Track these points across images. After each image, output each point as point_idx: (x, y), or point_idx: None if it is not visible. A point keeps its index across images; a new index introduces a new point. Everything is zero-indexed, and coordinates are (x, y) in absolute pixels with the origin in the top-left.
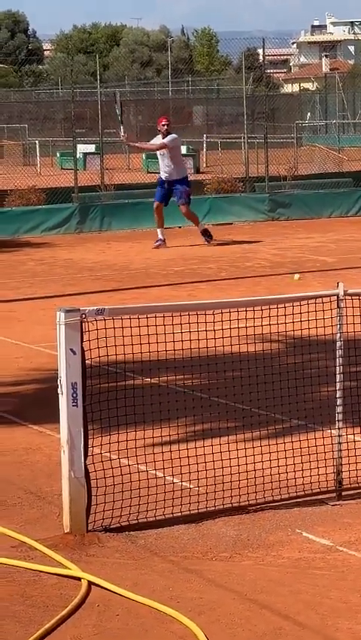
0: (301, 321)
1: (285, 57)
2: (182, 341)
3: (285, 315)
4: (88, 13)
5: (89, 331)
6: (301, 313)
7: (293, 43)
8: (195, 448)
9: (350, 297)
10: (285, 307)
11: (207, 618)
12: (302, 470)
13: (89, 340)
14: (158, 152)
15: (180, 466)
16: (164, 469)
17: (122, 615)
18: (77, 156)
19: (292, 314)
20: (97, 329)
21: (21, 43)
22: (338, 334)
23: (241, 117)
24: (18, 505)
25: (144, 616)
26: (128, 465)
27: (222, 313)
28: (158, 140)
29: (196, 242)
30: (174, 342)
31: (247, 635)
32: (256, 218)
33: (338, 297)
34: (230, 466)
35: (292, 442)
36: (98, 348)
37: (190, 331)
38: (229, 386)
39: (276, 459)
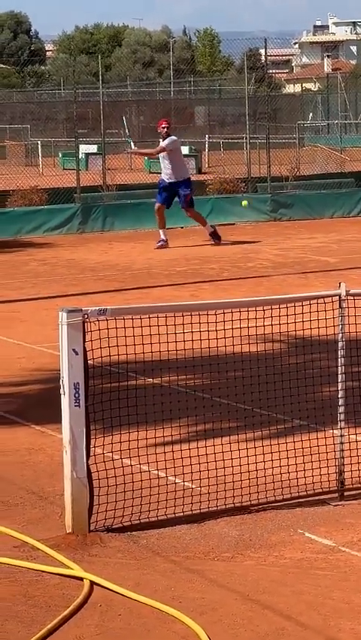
0: (303, 321)
1: (287, 57)
2: (184, 341)
3: (287, 316)
4: (90, 14)
5: (91, 331)
6: (303, 313)
7: (295, 44)
8: (197, 448)
9: (351, 298)
10: (287, 307)
11: (209, 618)
12: (304, 470)
13: (92, 340)
14: (159, 155)
15: (182, 466)
16: (166, 469)
17: (124, 615)
18: (80, 156)
19: (294, 314)
20: (99, 329)
21: (23, 43)
22: (340, 334)
23: (243, 117)
24: (20, 506)
25: (146, 616)
26: (131, 465)
27: (224, 313)
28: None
29: (198, 242)
30: (176, 342)
31: (249, 635)
32: (258, 219)
33: (340, 297)
34: (232, 466)
35: (294, 442)
36: (101, 348)
37: (192, 331)
38: (231, 386)
39: (278, 459)
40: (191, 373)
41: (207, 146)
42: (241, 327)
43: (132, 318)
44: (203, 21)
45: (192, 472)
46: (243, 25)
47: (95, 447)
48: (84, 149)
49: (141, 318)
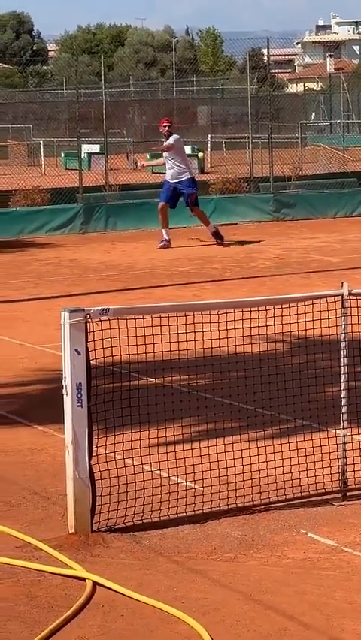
0: (305, 321)
1: (289, 57)
2: (186, 341)
3: (289, 316)
4: (93, 14)
5: (93, 331)
6: (305, 313)
7: (298, 43)
8: (200, 448)
9: (354, 297)
10: (289, 307)
11: (212, 619)
12: (307, 470)
13: (94, 340)
14: (165, 157)
15: (185, 466)
16: (168, 469)
17: (126, 615)
18: (82, 156)
19: (297, 314)
20: (102, 329)
21: (26, 43)
22: (343, 334)
23: (245, 117)
24: (23, 506)
25: (149, 616)
26: (133, 465)
27: (226, 313)
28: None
29: (200, 242)
30: (178, 342)
31: (251, 635)
32: (261, 219)
33: (342, 297)
34: (235, 467)
35: (296, 442)
36: (103, 348)
37: (195, 331)
38: (233, 386)
39: (280, 459)
40: (193, 373)
41: (209, 145)
42: (243, 327)
43: (135, 318)
44: (206, 21)
45: (194, 472)
46: (245, 24)
47: (97, 447)
48: (87, 148)
49: (143, 318)
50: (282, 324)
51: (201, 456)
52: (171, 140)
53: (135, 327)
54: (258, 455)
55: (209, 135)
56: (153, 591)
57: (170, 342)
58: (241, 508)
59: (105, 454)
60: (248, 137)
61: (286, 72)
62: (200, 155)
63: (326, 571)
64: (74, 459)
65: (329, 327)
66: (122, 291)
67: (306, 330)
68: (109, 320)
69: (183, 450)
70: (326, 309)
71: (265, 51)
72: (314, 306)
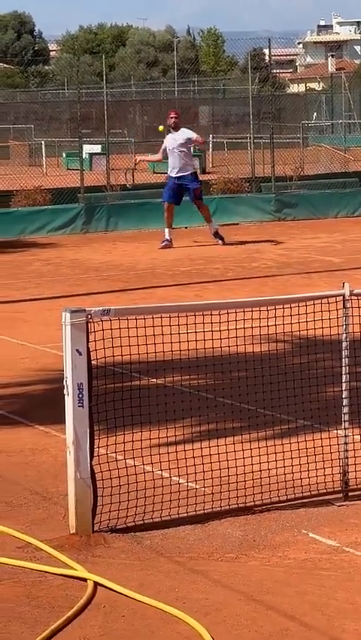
0: (307, 321)
1: (291, 57)
2: (188, 341)
3: (291, 316)
4: (94, 14)
5: (95, 332)
6: (307, 313)
7: (299, 44)
8: (201, 448)
9: (355, 298)
10: (291, 307)
11: (213, 619)
12: (308, 471)
13: (95, 341)
14: (170, 149)
15: (186, 466)
16: (170, 469)
17: (128, 616)
18: (83, 156)
19: (298, 314)
20: (103, 329)
21: (27, 43)
22: (344, 334)
23: (247, 117)
24: (24, 506)
25: (150, 617)
26: (134, 465)
27: (228, 313)
28: (169, 140)
29: (197, 243)
30: (180, 342)
31: (253, 636)
32: (263, 219)
33: (343, 297)
34: (236, 467)
35: (298, 442)
36: (105, 348)
37: (196, 332)
38: (234, 386)
39: (282, 459)
40: (195, 373)
41: (211, 145)
42: (244, 328)
43: (136, 319)
44: (207, 21)
45: (195, 473)
46: (247, 25)
47: (98, 447)
48: (88, 149)
49: (144, 319)
50: (283, 325)
51: (202, 456)
52: (194, 134)
53: (136, 328)
54: (259, 455)
55: (211, 135)
56: (155, 592)
57: (171, 343)
58: (242, 509)
59: (107, 454)
60: (250, 137)
61: (288, 72)
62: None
63: (328, 571)
64: (75, 459)
65: (330, 327)
66: (124, 291)
67: (307, 330)
68: (110, 320)
69: (185, 450)
70: (328, 309)
71: (266, 51)
72: (316, 306)
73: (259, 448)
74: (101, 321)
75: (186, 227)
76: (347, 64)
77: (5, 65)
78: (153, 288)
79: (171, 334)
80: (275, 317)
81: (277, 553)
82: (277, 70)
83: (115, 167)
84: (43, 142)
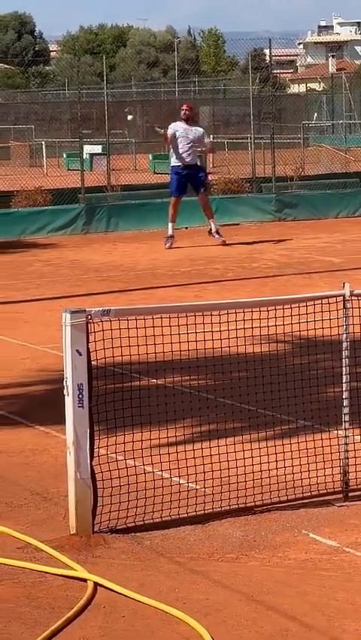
0: (307, 321)
1: (292, 57)
2: (188, 342)
3: (291, 316)
4: (94, 14)
5: (95, 332)
6: (307, 314)
7: (300, 44)
8: (201, 448)
9: (356, 298)
10: (291, 308)
11: (214, 619)
12: (308, 471)
13: (95, 341)
14: (181, 137)
15: (186, 467)
16: (170, 469)
17: (128, 616)
18: (84, 157)
19: (298, 314)
20: (103, 330)
21: (28, 44)
22: (345, 335)
23: (247, 117)
24: (24, 506)
25: (150, 617)
26: (135, 466)
27: (228, 314)
28: (178, 125)
29: (201, 242)
30: (180, 342)
31: (253, 636)
32: (263, 219)
33: (344, 297)
34: (236, 467)
35: (298, 442)
36: (105, 349)
37: (196, 332)
38: (235, 387)
39: (282, 460)
40: (195, 374)
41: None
42: (245, 328)
43: (136, 319)
44: (207, 21)
45: (196, 473)
46: (247, 25)
47: (99, 448)
48: (88, 149)
49: (144, 319)
50: (283, 325)
51: (202, 456)
52: (207, 139)
53: (137, 328)
54: (260, 456)
55: (211, 135)
56: (155, 592)
57: (171, 343)
58: (242, 509)
59: (107, 454)
60: (250, 138)
61: (288, 72)
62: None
63: (328, 572)
64: (75, 460)
65: (330, 327)
66: (124, 291)
67: (308, 330)
68: (110, 321)
69: (185, 450)
70: (328, 309)
71: (267, 51)
72: (316, 306)
73: (259, 448)
74: (101, 321)
75: (186, 228)
76: (347, 65)
77: (6, 66)
78: (153, 288)
79: (171, 335)
80: (275, 317)
81: (277, 554)
82: (278, 71)
83: (115, 167)
84: (43, 142)
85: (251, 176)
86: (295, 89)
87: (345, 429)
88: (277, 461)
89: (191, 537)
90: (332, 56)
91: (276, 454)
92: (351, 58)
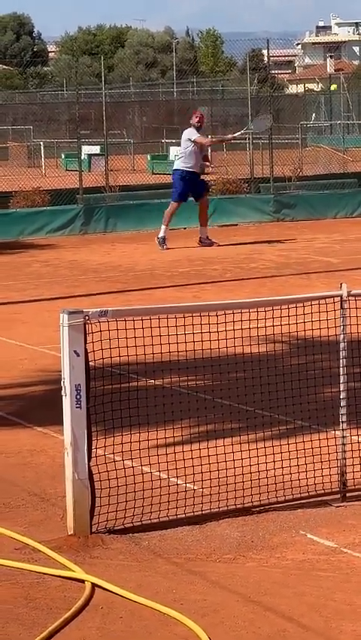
0: (305, 322)
1: (290, 58)
2: (186, 342)
3: (288, 317)
4: (93, 15)
5: (92, 333)
6: (305, 314)
7: (298, 44)
8: (199, 449)
9: (353, 298)
10: (288, 308)
11: (211, 620)
12: (306, 471)
13: (93, 342)
14: (191, 146)
15: (184, 467)
16: (168, 470)
17: (125, 617)
18: (82, 157)
19: (296, 315)
20: (100, 331)
21: (26, 45)
22: (342, 335)
23: (245, 118)
24: (22, 507)
25: (148, 618)
26: (132, 466)
27: (225, 314)
28: (192, 132)
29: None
30: (178, 343)
31: (250, 637)
32: (261, 219)
33: (341, 298)
34: (234, 468)
35: (296, 443)
36: (102, 349)
37: (194, 332)
38: (232, 387)
39: (280, 460)
40: (193, 374)
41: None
42: (242, 328)
43: (134, 320)
44: (206, 22)
45: (193, 474)
46: (245, 25)
47: (96, 448)
48: (87, 150)
49: (142, 320)
50: (281, 325)
51: (200, 457)
52: (194, 134)
53: (134, 329)
54: (257, 456)
55: (209, 136)
56: (152, 593)
57: (169, 344)
58: (240, 510)
59: (104, 455)
60: (248, 138)
61: (286, 73)
62: None
63: (325, 572)
64: (73, 460)
65: (328, 328)
66: (123, 292)
67: (305, 331)
68: (108, 321)
69: (183, 451)
70: (325, 310)
71: (265, 52)
72: (314, 307)
73: (257, 449)
74: (99, 322)
75: (185, 228)
76: (345, 65)
77: (4, 66)
78: (152, 289)
79: (169, 335)
80: (273, 318)
81: (275, 554)
82: (276, 71)
83: (114, 168)
84: (42, 143)
85: (249, 177)
86: (293, 89)
87: (343, 429)
88: (274, 462)
89: (189, 538)
90: (330, 57)
91: (273, 454)
92: (349, 58)
